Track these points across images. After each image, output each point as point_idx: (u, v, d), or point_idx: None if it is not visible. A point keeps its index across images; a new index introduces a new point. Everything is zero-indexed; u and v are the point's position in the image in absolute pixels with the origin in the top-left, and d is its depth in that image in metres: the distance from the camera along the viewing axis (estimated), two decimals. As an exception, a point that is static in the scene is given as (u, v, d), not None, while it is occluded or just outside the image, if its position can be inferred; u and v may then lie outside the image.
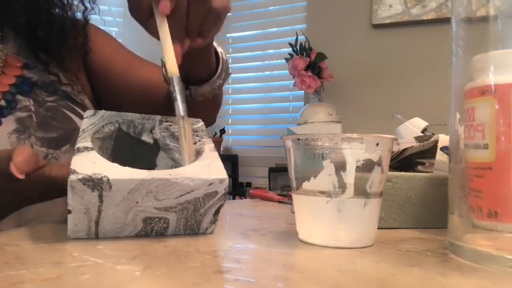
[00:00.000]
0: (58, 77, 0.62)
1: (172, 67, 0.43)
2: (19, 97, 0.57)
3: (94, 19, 0.70)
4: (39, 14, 0.61)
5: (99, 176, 0.35)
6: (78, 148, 0.39)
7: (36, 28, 0.60)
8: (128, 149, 0.46)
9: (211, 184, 0.38)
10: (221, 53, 0.59)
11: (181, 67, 0.44)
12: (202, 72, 0.58)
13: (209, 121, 0.75)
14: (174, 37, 0.44)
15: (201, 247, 0.35)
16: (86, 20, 0.67)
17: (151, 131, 0.47)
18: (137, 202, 0.37)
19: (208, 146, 0.44)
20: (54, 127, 0.57)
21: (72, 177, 0.35)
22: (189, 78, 0.57)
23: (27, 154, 0.39)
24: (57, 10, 0.63)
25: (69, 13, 0.64)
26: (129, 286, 0.25)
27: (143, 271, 0.28)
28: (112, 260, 0.31)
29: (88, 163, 0.37)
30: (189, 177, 0.37)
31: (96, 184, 0.35)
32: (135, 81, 0.69)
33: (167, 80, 0.45)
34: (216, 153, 0.43)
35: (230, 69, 0.62)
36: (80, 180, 0.35)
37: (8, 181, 0.40)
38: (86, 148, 0.39)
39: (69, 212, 0.36)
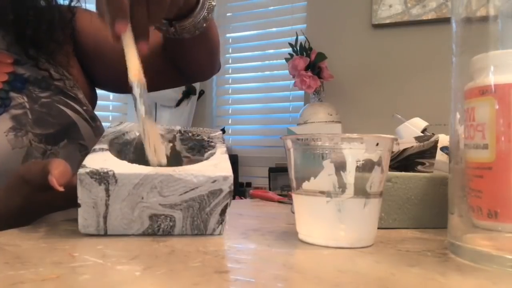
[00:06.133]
0: (49, 72, 0.61)
1: (133, 74, 0.42)
2: (12, 94, 0.56)
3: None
4: (26, 10, 0.60)
5: (105, 170, 0.37)
6: (93, 149, 0.41)
7: (25, 24, 0.60)
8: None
9: (215, 181, 0.38)
10: None
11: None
12: (181, 11, 0.54)
13: (208, 65, 0.71)
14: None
15: (201, 247, 0.35)
16: (72, 13, 0.66)
17: (170, 142, 0.49)
18: (142, 198, 0.37)
19: (220, 150, 0.45)
20: (50, 123, 0.56)
21: (81, 170, 0.36)
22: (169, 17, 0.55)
23: (62, 167, 0.40)
24: (43, 4, 0.63)
25: (54, 6, 0.64)
26: (129, 286, 0.25)
27: (143, 271, 0.28)
28: (112, 260, 0.31)
29: (99, 160, 0.39)
30: (192, 174, 0.38)
31: (102, 177, 0.36)
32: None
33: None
34: (226, 156, 0.43)
35: (214, 0, 0.57)
36: (87, 173, 0.36)
37: (41, 191, 0.41)
38: (101, 149, 0.42)
39: (79, 205, 0.37)
